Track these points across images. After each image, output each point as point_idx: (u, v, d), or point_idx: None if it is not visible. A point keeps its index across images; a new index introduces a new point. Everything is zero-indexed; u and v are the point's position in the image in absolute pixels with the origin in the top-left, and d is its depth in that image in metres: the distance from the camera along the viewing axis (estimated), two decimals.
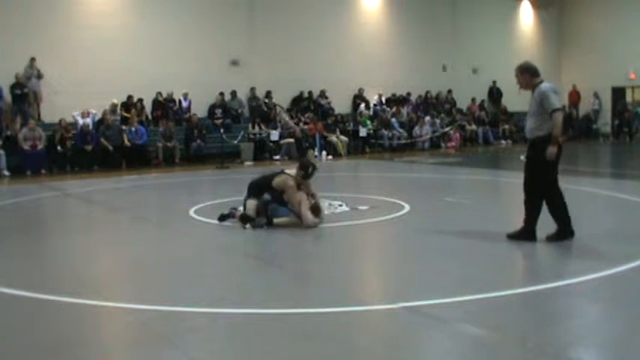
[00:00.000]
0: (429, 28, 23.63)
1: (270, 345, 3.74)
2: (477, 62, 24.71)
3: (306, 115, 19.44)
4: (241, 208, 7.54)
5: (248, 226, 7.16)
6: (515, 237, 6.25)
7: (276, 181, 7.36)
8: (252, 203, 7.31)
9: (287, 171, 7.52)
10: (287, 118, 18.66)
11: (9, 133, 15.07)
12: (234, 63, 19.26)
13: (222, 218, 7.53)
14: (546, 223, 6.19)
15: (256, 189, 7.47)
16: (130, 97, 17.15)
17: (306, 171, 7.39)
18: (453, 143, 21.25)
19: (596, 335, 3.94)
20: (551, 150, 5.97)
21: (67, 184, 12.66)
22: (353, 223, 7.63)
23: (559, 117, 5.96)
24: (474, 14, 24.88)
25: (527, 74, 6.16)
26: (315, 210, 7.32)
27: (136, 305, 4.53)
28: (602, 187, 11.06)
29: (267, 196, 7.35)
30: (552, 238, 6.16)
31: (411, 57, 23.06)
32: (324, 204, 8.08)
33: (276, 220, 7.21)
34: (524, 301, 4.60)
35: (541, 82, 6.10)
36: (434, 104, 23.25)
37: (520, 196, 6.30)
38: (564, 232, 6.20)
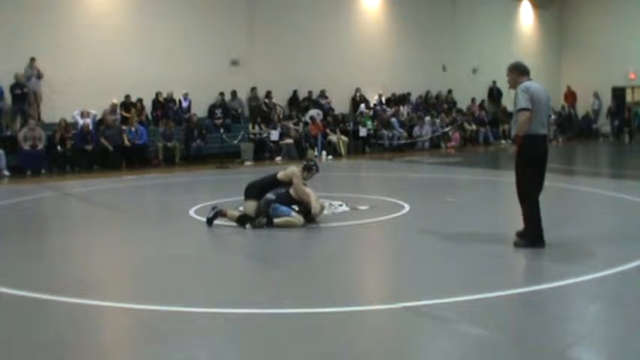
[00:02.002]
0: (429, 28, 23.63)
1: (270, 345, 3.74)
2: (477, 62, 24.71)
3: (303, 119, 19.43)
4: (241, 208, 7.54)
5: (248, 226, 7.16)
6: (520, 236, 6.20)
7: (282, 173, 7.46)
8: (251, 205, 7.31)
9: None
10: (290, 125, 18.67)
11: (9, 133, 15.04)
12: (234, 63, 19.24)
13: (210, 221, 7.39)
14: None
15: (256, 190, 7.45)
16: (129, 97, 17.15)
17: (309, 164, 7.58)
18: (453, 143, 21.25)
19: (595, 335, 3.94)
20: (512, 149, 6.03)
21: (67, 184, 12.65)
22: (353, 223, 7.63)
23: (521, 116, 5.87)
24: (474, 14, 24.88)
25: (516, 73, 6.16)
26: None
27: (136, 305, 4.53)
28: (602, 187, 11.06)
29: (270, 196, 7.34)
30: (519, 244, 6.09)
31: (411, 57, 23.05)
32: (324, 204, 8.08)
33: (276, 220, 7.21)
34: (524, 301, 4.61)
35: (523, 81, 6.06)
36: (434, 104, 23.25)
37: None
38: (531, 238, 6.06)
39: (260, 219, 7.20)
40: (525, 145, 5.89)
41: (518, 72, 6.14)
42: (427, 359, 3.69)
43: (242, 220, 7.24)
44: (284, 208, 7.27)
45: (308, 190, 7.43)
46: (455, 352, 3.67)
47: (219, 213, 7.38)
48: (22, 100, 15.60)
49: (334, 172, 14.69)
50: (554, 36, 28.04)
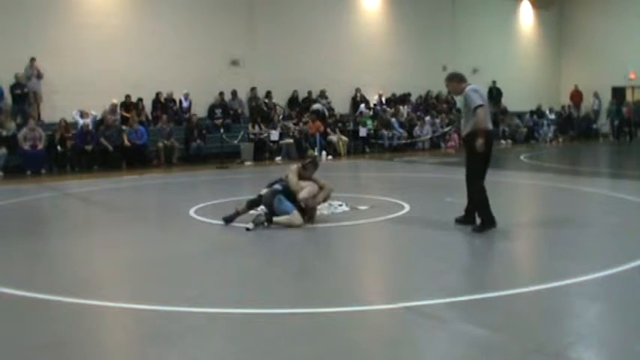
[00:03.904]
0: (429, 28, 23.65)
1: (270, 345, 3.74)
2: (476, 62, 24.71)
3: (307, 115, 19.46)
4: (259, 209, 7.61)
5: (248, 225, 7.16)
6: (461, 222, 6.90)
7: (286, 172, 7.62)
8: (266, 190, 7.55)
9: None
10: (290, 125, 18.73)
11: (4, 133, 14.99)
12: (234, 63, 19.26)
13: (228, 220, 7.43)
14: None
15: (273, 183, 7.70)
16: (129, 97, 17.15)
17: (304, 162, 7.64)
18: (453, 143, 21.26)
19: (596, 335, 3.94)
20: (479, 142, 6.54)
21: (67, 184, 12.65)
22: (353, 223, 7.63)
23: (480, 112, 6.50)
24: (474, 14, 24.90)
25: (455, 81, 6.81)
26: (311, 207, 7.47)
27: (136, 305, 4.53)
28: (602, 187, 11.06)
29: (277, 186, 7.45)
30: (475, 229, 6.71)
31: (411, 57, 23.07)
32: (324, 204, 8.07)
33: (276, 219, 7.22)
34: (525, 301, 4.60)
35: (467, 85, 6.68)
36: (434, 104, 23.25)
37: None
38: (486, 223, 6.66)
39: (259, 216, 7.21)
40: (473, 139, 6.53)
41: (458, 79, 6.80)
42: (427, 359, 3.69)
43: (250, 204, 7.47)
44: (287, 203, 7.28)
45: (305, 184, 7.46)
46: (455, 352, 3.67)
47: (234, 216, 7.46)
48: (22, 100, 15.61)
49: (334, 172, 14.68)
50: (554, 36, 28.06)
